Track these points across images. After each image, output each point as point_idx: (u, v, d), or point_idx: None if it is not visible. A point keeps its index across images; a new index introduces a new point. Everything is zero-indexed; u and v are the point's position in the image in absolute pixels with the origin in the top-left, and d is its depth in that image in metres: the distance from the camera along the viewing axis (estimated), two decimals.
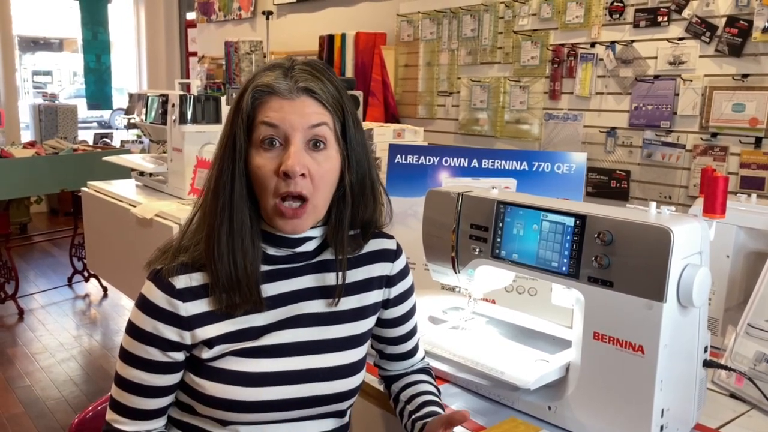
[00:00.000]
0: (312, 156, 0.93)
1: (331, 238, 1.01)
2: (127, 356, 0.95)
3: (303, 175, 0.91)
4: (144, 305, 0.94)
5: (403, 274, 1.11)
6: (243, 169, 0.93)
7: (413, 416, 1.05)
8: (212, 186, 0.95)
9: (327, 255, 1.03)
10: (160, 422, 0.99)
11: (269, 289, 0.98)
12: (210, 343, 0.94)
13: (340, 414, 1.05)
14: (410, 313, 1.14)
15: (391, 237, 1.11)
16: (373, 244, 1.08)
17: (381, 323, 1.11)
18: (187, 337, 0.93)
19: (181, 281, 0.93)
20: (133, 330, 0.94)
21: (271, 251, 0.98)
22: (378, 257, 1.07)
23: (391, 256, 1.09)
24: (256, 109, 0.93)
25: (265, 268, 0.98)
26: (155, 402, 0.96)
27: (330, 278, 1.02)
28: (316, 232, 1.00)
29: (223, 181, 0.93)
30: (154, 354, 0.93)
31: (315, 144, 0.93)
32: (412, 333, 1.15)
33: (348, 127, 0.97)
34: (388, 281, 1.08)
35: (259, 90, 0.93)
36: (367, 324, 1.06)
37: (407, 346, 1.15)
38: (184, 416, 1.00)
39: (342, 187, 0.98)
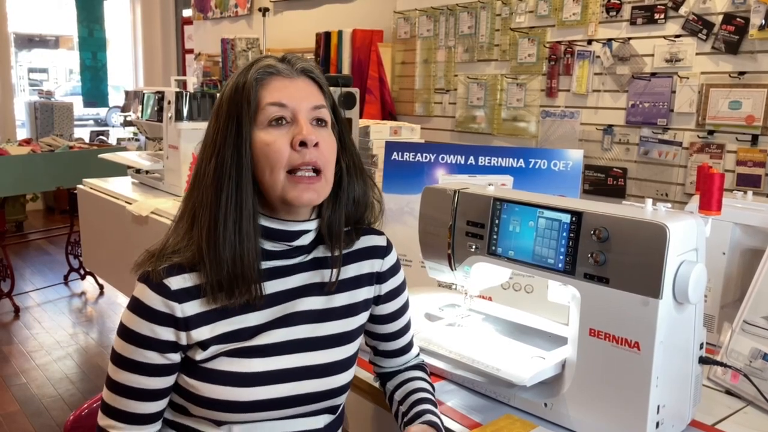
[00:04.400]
0: (318, 131, 0.96)
1: (325, 231, 1.01)
2: (121, 360, 0.93)
3: (316, 145, 0.94)
4: (138, 308, 0.92)
5: (393, 270, 1.11)
6: (249, 153, 0.93)
7: (405, 418, 1.06)
8: (212, 179, 0.93)
9: (320, 252, 1.04)
10: (157, 426, 0.98)
11: (267, 287, 0.97)
12: (204, 344, 0.93)
13: (332, 410, 1.05)
14: (402, 310, 1.14)
15: (381, 233, 1.11)
16: (364, 241, 1.08)
17: (373, 319, 1.11)
18: (183, 338, 0.92)
19: (175, 282, 0.92)
20: (127, 334, 0.92)
21: (268, 246, 0.98)
22: (368, 254, 1.08)
23: (382, 252, 1.09)
24: (259, 92, 0.94)
25: (263, 264, 0.97)
26: (152, 405, 0.95)
27: (325, 274, 1.02)
28: (312, 225, 1.01)
29: (228, 169, 0.92)
30: (151, 357, 0.92)
31: (318, 122, 0.97)
32: (405, 329, 1.15)
33: (337, 113, 1.01)
34: (378, 278, 1.08)
35: (261, 71, 0.95)
36: (359, 321, 1.06)
37: (400, 342, 1.15)
38: (178, 417, 0.99)
39: (339, 170, 1.00)
